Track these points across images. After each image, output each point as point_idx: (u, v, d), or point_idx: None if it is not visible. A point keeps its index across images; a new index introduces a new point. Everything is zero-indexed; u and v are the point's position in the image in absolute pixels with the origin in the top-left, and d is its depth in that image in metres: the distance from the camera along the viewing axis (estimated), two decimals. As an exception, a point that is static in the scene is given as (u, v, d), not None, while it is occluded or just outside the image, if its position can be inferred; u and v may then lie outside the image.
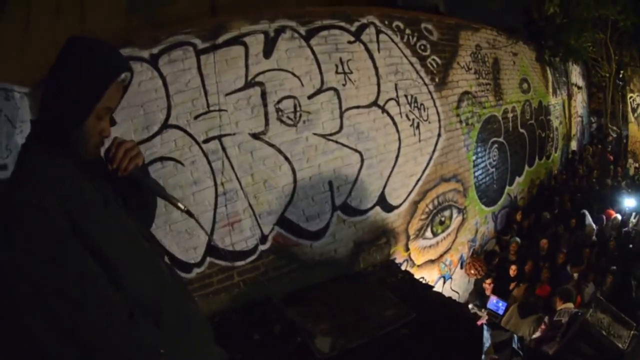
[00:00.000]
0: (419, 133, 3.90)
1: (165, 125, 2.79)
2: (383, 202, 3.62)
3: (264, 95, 3.06)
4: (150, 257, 1.05)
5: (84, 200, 0.89)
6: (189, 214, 1.06)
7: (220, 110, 2.94)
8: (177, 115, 2.82)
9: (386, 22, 3.84)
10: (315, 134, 3.22)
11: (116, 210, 0.99)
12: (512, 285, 4.95)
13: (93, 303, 0.79)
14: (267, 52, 3.14)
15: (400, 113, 3.75)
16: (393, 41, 3.88)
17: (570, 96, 9.51)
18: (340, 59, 3.44)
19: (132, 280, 0.89)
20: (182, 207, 1.04)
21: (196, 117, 2.89)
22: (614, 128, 11.24)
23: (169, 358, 0.85)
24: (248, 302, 3.17)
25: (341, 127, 3.34)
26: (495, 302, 4.79)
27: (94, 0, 3.97)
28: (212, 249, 2.96)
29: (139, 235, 1.05)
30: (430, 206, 4.07)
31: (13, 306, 0.80)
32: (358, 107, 3.45)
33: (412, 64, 4.01)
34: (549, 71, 7.78)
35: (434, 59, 4.28)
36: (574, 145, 9.94)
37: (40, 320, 0.77)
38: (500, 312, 4.70)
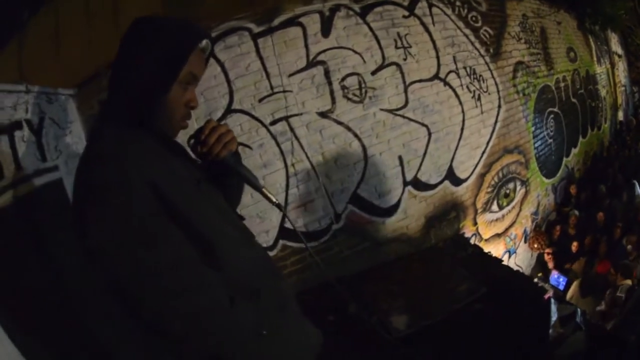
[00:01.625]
0: (481, 105, 3.79)
1: (229, 110, 2.82)
2: (452, 176, 3.54)
3: (327, 73, 3.04)
4: (247, 236, 1.00)
5: (172, 175, 0.83)
6: (279, 207, 0.99)
7: (284, 91, 2.94)
8: (240, 99, 2.84)
9: (436, -5, 3.75)
10: (382, 109, 3.17)
11: (209, 189, 0.94)
12: (572, 263, 4.81)
13: (190, 290, 0.75)
14: (325, 31, 3.12)
15: (462, 85, 3.65)
16: (445, 13, 3.78)
17: (612, 65, 9.07)
18: (398, 34, 3.38)
19: (231, 261, 0.85)
20: (274, 200, 0.98)
21: (260, 100, 2.90)
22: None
23: (270, 339, 0.82)
24: (322, 283, 3.17)
25: (407, 102, 3.28)
26: (556, 277, 4.66)
27: (122, 8, 4.10)
28: (284, 232, 2.97)
29: (234, 215, 1.01)
30: (496, 178, 3.96)
31: (108, 292, 0.77)
32: (421, 80, 3.38)
33: (466, 35, 3.90)
34: (591, 39, 7.44)
35: (486, 30, 4.15)
36: (620, 115, 9.48)
37: (134, 306, 0.74)
38: (561, 287, 4.59)
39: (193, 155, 0.98)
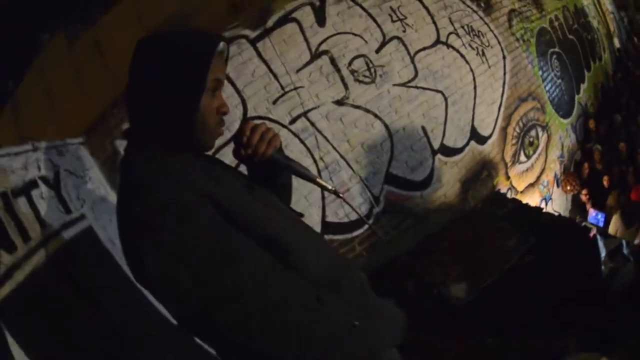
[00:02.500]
0: (486, 59, 3.75)
1: (246, 119, 2.81)
2: (476, 135, 3.51)
3: (333, 61, 3.03)
4: (313, 232, 0.97)
5: (223, 186, 0.79)
6: (336, 193, 0.93)
7: (296, 88, 2.93)
8: (254, 106, 2.84)
9: (417, -40, 3.71)
10: (394, 84, 3.15)
11: (262, 193, 0.89)
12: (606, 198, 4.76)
13: (279, 299, 0.71)
14: (321, 21, 3.10)
15: (464, 44, 3.62)
16: (430, -23, 3.75)
17: (595, -9, 8.93)
18: (391, 8, 3.36)
19: (305, 259, 0.81)
20: (330, 187, 0.93)
21: (274, 102, 2.89)
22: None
23: (363, 328, 0.78)
24: (375, 269, 3.15)
25: (416, 72, 3.26)
26: (594, 215, 4.62)
27: (111, 52, 4.13)
28: (327, 225, 2.96)
29: (293, 213, 0.97)
30: (517, 129, 3.92)
31: (187, 322, 0.72)
32: (424, 48, 3.36)
33: (455, -6, 3.86)
34: (571, -28, 7.33)
35: (472, -15, 4.11)
36: (616, 42, 9.34)
37: (222, 329, 0.69)
38: (601, 224, 4.54)
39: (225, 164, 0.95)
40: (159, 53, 0.79)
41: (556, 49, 5.13)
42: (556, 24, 5.54)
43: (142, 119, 0.81)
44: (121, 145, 2.85)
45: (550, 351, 2.33)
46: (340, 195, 0.94)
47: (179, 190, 0.71)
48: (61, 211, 2.40)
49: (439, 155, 3.27)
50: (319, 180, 0.92)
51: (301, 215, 0.99)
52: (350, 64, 3.05)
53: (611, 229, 4.41)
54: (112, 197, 2.78)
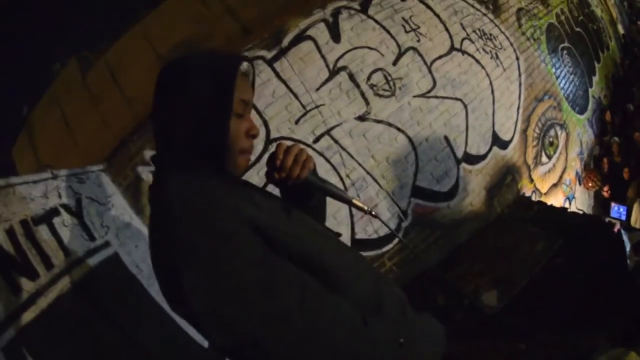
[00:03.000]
0: (501, 62, 3.72)
1: (269, 141, 2.80)
2: (497, 141, 3.48)
3: (352, 77, 3.02)
4: (353, 251, 0.96)
5: (261, 210, 0.76)
6: (372, 214, 0.91)
7: (317, 106, 2.92)
8: (276, 127, 2.82)
9: (423, -32, 3.70)
10: (414, 96, 3.13)
11: (298, 215, 0.87)
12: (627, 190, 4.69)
13: (327, 322, 0.70)
14: (335, 37, 3.09)
15: (478, 49, 3.59)
16: (437, -16, 3.74)
17: (594, -20, 8.89)
18: (403, 18, 3.34)
19: (348, 279, 0.79)
20: (367, 208, 0.90)
21: (297, 122, 2.88)
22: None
23: (408, 345, 0.77)
24: (406, 283, 3.12)
25: (434, 82, 3.23)
26: (616, 209, 4.55)
27: (125, 79, 4.16)
28: (357, 243, 2.93)
29: (331, 233, 0.94)
30: (537, 130, 3.87)
31: (235, 353, 0.69)
32: (440, 57, 3.33)
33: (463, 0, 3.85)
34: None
35: (479, -13, 4.09)
36: (620, 29, 9.27)
37: (272, 357, 0.67)
38: (623, 217, 4.48)
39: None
40: (182, 77, 0.78)
41: (566, 44, 5.09)
42: (562, 18, 5.50)
43: (171, 144, 0.79)
44: (143, 171, 2.84)
45: (579, 349, 2.30)
46: (376, 215, 0.91)
47: (224, 218, 0.68)
48: (85, 238, 2.40)
49: (463, 164, 3.24)
50: (355, 201, 0.89)
51: (339, 235, 0.97)
52: (368, 78, 3.04)
53: (632, 220, 4.37)
54: (137, 222, 2.78)
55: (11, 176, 2.09)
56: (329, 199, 0.93)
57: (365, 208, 0.90)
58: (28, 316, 1.69)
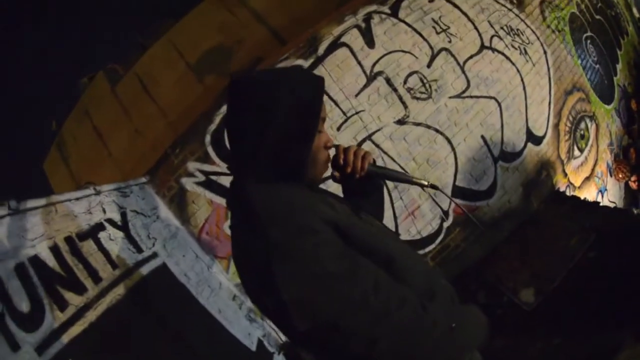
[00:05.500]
0: (530, 57, 3.73)
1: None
2: (531, 137, 3.49)
3: (389, 81, 3.06)
4: (410, 247, 1.04)
5: (338, 213, 0.86)
6: (434, 187, 1.01)
7: (357, 112, 2.97)
8: (319, 135, 2.87)
9: (446, -33, 3.72)
10: (450, 97, 3.16)
11: (366, 215, 0.98)
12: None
13: (395, 307, 0.78)
14: (370, 42, 3.14)
15: (507, 46, 3.60)
16: (463, -17, 3.75)
17: (605, -36, 8.74)
18: (433, 20, 3.37)
19: (408, 271, 0.88)
20: (425, 183, 1.01)
21: (338, 129, 2.94)
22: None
23: (459, 329, 0.84)
24: (448, 281, 3.16)
25: (468, 82, 3.26)
26: None
27: (157, 89, 4.23)
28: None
29: (394, 233, 1.06)
30: (568, 124, 3.87)
31: (317, 335, 0.76)
32: (472, 56, 3.35)
33: (489, -4, 3.85)
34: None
35: (502, -17, 4.09)
36: (636, 12, 9.13)
37: (350, 336, 0.75)
38: None
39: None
40: (272, 95, 0.83)
41: (589, 33, 5.05)
42: (583, 6, 5.45)
43: (255, 155, 0.84)
44: (187, 182, 2.92)
45: (609, 344, 2.34)
46: (439, 188, 1.02)
47: (309, 218, 0.78)
48: (132, 251, 2.47)
49: (500, 162, 3.26)
50: (415, 179, 1.00)
51: (398, 234, 1.07)
52: (405, 82, 3.07)
53: None
54: (183, 233, 2.86)
55: (52, 195, 2.12)
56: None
57: (425, 183, 1.01)
58: (76, 329, 1.74)
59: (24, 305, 1.59)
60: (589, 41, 4.95)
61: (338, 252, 0.77)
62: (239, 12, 4.25)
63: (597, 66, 4.84)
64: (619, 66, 5.64)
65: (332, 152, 0.99)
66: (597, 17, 5.79)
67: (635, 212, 4.54)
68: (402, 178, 1.02)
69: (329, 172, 0.99)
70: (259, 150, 0.83)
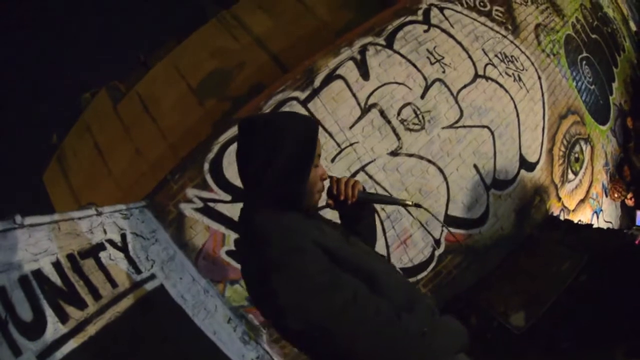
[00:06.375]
0: (524, 84, 3.79)
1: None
2: (525, 164, 3.55)
3: (382, 113, 3.13)
4: (391, 267, 1.22)
5: (327, 236, 1.02)
6: (418, 205, 1.18)
7: (351, 144, 3.04)
8: (311, 165, 2.94)
9: (442, -4, 3.80)
10: (443, 127, 3.23)
11: (355, 239, 1.15)
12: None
13: (372, 314, 0.92)
14: (364, 74, 3.22)
15: (501, 73, 3.67)
16: (457, 12, 3.83)
17: (603, -21, 8.78)
18: (428, 50, 3.44)
19: (389, 287, 1.03)
20: (409, 203, 1.18)
21: (333, 160, 3.01)
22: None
23: (431, 333, 0.98)
24: (441, 307, 3.23)
25: (461, 111, 3.33)
26: None
27: (158, 110, 4.32)
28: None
29: (377, 253, 1.22)
30: (562, 148, 3.93)
31: (309, 336, 0.92)
32: (465, 86, 3.43)
33: (483, 24, 3.92)
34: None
35: (496, 10, 4.16)
36: (633, 25, 9.15)
37: (336, 336, 0.90)
38: None
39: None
40: (278, 135, 1.02)
41: (584, 54, 5.11)
42: (578, 26, 5.51)
43: (260, 185, 1.03)
44: (185, 208, 3.00)
45: None
46: (422, 206, 1.20)
47: (301, 240, 0.95)
48: (131, 272, 2.55)
49: (492, 190, 3.33)
50: (400, 200, 1.19)
51: (383, 256, 1.28)
52: (399, 113, 3.15)
53: None
54: (180, 256, 2.94)
55: (56, 212, 2.21)
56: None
57: (410, 203, 1.19)
58: (76, 342, 1.83)
59: (26, 315, 1.67)
60: (584, 62, 5.00)
61: (323, 268, 0.93)
62: (240, 36, 4.35)
63: (593, 87, 4.90)
64: (615, 84, 5.68)
65: (326, 183, 1.15)
66: (594, 36, 5.85)
67: (628, 232, 4.57)
68: (388, 200, 1.25)
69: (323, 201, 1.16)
70: (264, 183, 1.02)
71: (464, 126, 3.30)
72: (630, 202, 4.76)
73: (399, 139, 3.10)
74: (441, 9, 3.73)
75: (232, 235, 2.97)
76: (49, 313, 1.79)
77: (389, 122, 3.10)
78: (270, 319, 0.97)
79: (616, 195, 4.64)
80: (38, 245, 1.96)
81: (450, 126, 3.26)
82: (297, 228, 0.99)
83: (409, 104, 3.19)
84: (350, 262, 0.98)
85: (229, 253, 2.96)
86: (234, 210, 2.99)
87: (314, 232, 1.00)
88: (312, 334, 0.91)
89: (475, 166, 3.27)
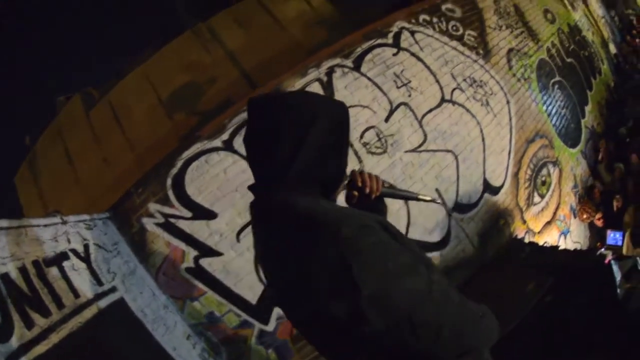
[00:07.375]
0: (491, 108, 3.85)
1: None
2: (489, 188, 3.59)
3: (346, 136, 3.14)
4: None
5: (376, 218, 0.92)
6: (433, 201, 1.18)
7: (314, 166, 3.04)
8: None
9: (413, 21, 3.86)
10: (406, 151, 3.26)
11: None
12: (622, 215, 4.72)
13: (445, 295, 0.82)
14: (330, 96, 3.23)
15: (468, 98, 3.73)
16: (428, 35, 3.89)
17: (586, 3, 9.01)
18: (395, 74, 3.48)
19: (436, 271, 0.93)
20: (428, 198, 1.16)
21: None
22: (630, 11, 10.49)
23: (487, 317, 0.92)
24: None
25: (425, 136, 3.36)
26: (612, 236, 4.61)
27: (127, 120, 4.29)
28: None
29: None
30: (529, 172, 3.98)
31: (393, 330, 0.78)
32: (431, 110, 3.47)
33: (454, 48, 3.99)
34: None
35: (469, 34, 4.24)
36: (612, 48, 9.37)
37: (420, 328, 0.77)
38: (620, 243, 4.53)
39: None
40: (310, 115, 0.88)
41: (557, 78, 5.21)
42: (553, 51, 5.63)
43: (290, 168, 0.86)
44: (148, 223, 2.96)
45: None
46: (439, 202, 1.24)
47: (366, 218, 0.81)
48: (93, 283, 2.52)
49: (454, 214, 3.35)
50: (420, 196, 1.14)
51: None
52: (361, 137, 3.17)
53: (624, 249, 4.42)
54: (141, 270, 2.91)
55: (23, 218, 2.21)
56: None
57: (429, 198, 1.15)
58: (40, 349, 1.82)
59: (-6, 318, 1.66)
60: (556, 86, 5.10)
61: (399, 247, 0.81)
62: (214, 50, 4.36)
63: (564, 110, 4.99)
64: (588, 107, 5.80)
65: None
66: (569, 60, 5.98)
67: (595, 251, 4.62)
68: (407, 195, 1.19)
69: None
70: (296, 164, 0.86)
71: (427, 150, 3.33)
72: (599, 223, 4.82)
73: (360, 161, 3.11)
74: (412, 32, 3.79)
75: (191, 253, 2.94)
76: (16, 318, 1.79)
77: (350, 145, 3.11)
78: (336, 327, 0.79)
79: (585, 216, 4.71)
80: (5, 249, 1.96)
81: (414, 150, 3.29)
82: (348, 209, 0.89)
83: (372, 127, 3.21)
84: (412, 247, 0.87)
85: (188, 270, 2.92)
86: (194, 227, 2.97)
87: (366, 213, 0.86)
88: (397, 331, 0.76)
89: (437, 190, 3.29)
